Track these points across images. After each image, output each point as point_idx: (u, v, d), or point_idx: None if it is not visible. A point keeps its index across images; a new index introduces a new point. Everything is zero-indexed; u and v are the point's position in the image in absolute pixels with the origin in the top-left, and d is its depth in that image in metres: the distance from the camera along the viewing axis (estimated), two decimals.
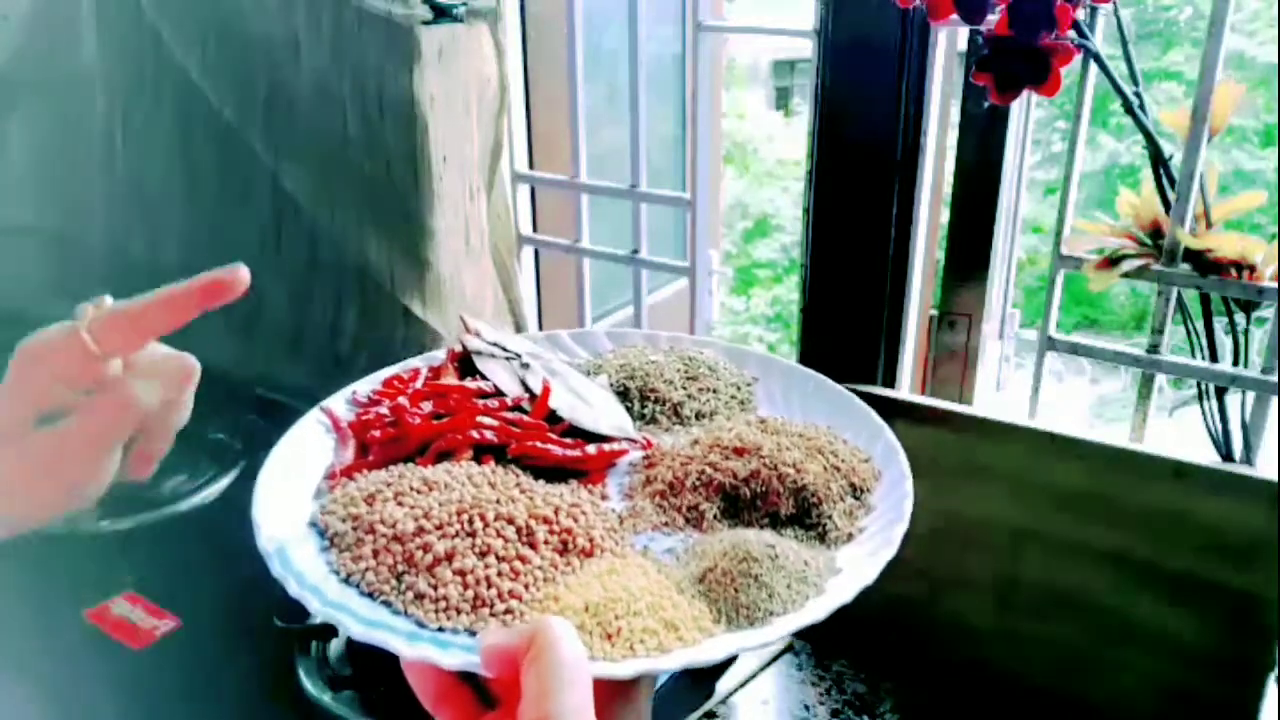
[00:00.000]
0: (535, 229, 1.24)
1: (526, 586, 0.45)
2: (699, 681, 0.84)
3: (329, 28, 0.91)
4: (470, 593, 0.44)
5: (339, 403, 0.59)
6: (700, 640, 0.44)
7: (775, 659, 0.89)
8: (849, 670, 0.88)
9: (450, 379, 0.61)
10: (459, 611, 0.44)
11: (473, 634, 0.43)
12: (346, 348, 0.95)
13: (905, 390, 0.93)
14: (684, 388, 0.64)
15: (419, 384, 0.61)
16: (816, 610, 0.46)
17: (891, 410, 0.86)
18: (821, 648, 0.90)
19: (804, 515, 0.53)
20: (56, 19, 0.98)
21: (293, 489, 0.51)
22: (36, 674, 0.77)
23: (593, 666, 0.39)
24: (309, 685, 0.75)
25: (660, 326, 1.12)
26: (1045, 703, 0.81)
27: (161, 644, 0.77)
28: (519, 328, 1.12)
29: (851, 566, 0.49)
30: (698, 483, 0.53)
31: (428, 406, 0.57)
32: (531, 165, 1.25)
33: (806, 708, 0.84)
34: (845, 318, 0.92)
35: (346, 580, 0.45)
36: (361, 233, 0.95)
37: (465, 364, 0.63)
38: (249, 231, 0.98)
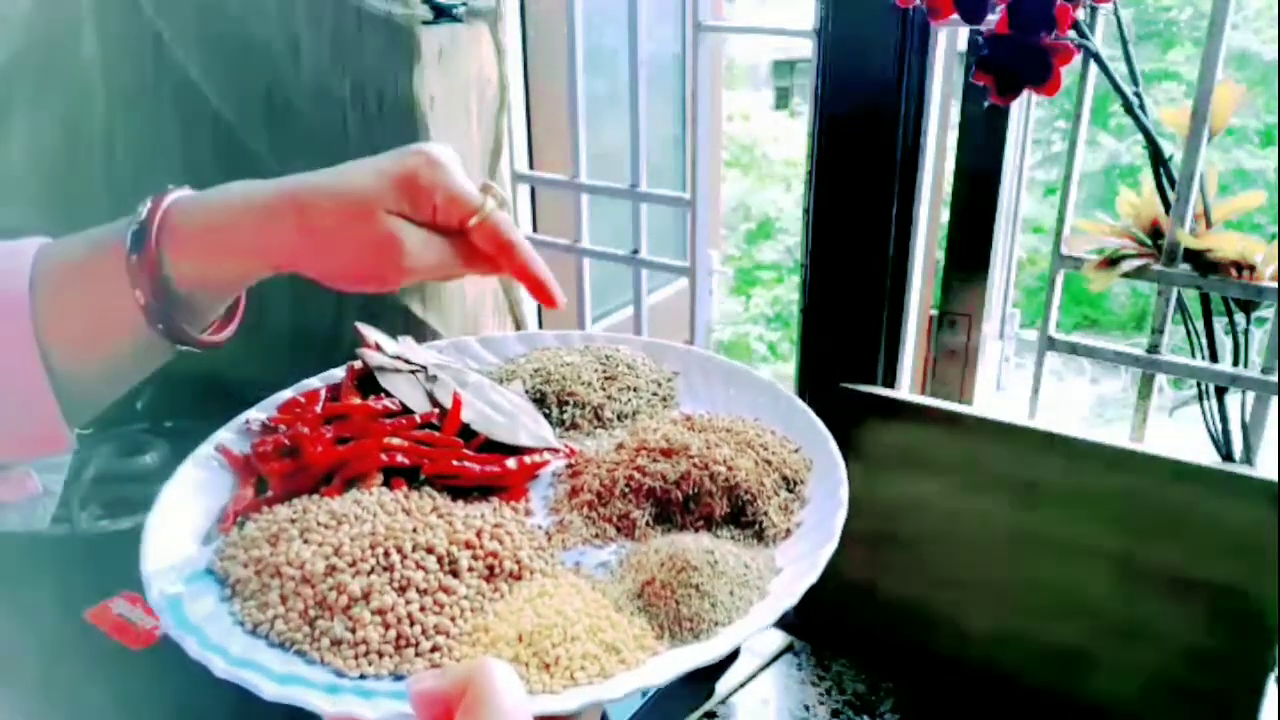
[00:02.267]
0: (535, 229, 1.24)
1: (453, 619, 0.42)
2: (699, 681, 0.84)
3: (329, 28, 0.91)
4: (392, 633, 0.41)
5: (230, 434, 0.55)
6: (644, 660, 0.41)
7: (775, 659, 0.89)
8: (849, 670, 0.88)
9: (353, 399, 0.57)
10: (381, 655, 0.41)
11: (399, 678, 0.40)
12: (347, 349, 0.95)
13: (905, 390, 0.93)
14: (603, 388, 0.62)
15: (319, 407, 0.57)
16: (762, 617, 0.43)
17: (891, 410, 0.86)
18: (821, 648, 0.90)
19: (739, 514, 0.51)
20: (56, 19, 0.98)
21: (186, 534, 0.48)
22: (36, 674, 0.77)
23: (533, 703, 0.37)
24: None
25: (660, 326, 1.12)
26: (1045, 703, 0.81)
27: (161, 644, 0.77)
28: (519, 327, 1.12)
29: (793, 564, 0.47)
30: (626, 489, 0.51)
31: (330, 433, 0.53)
32: (531, 165, 1.25)
33: (806, 708, 0.84)
34: (845, 318, 0.92)
35: (254, 632, 0.42)
36: None
37: (367, 382, 0.59)
38: None
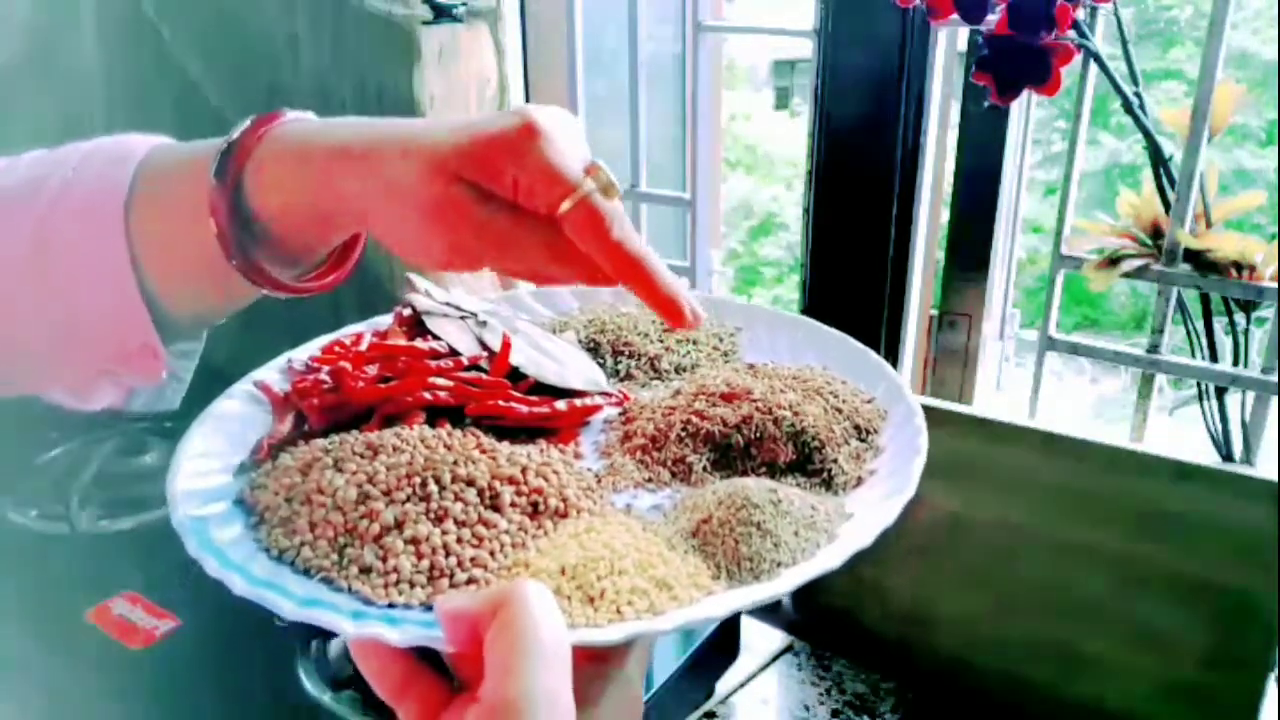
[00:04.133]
0: None
1: (492, 554, 0.40)
2: (699, 681, 0.84)
3: (329, 28, 0.91)
4: (425, 563, 0.39)
5: (271, 372, 0.53)
6: (698, 598, 0.38)
7: (775, 659, 0.89)
8: (849, 670, 0.88)
9: (399, 342, 0.55)
10: (412, 585, 0.38)
11: (430, 608, 0.37)
12: None
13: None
14: (660, 340, 0.59)
15: (363, 347, 0.55)
16: (830, 558, 0.40)
17: None
18: (821, 648, 0.90)
19: (805, 462, 0.48)
20: (56, 19, 0.98)
21: (216, 464, 0.46)
22: (36, 674, 0.77)
23: (574, 634, 0.34)
24: (309, 685, 0.75)
25: None
26: (1045, 703, 0.81)
27: (161, 644, 0.77)
28: None
29: (865, 510, 0.44)
30: (683, 433, 0.48)
31: (374, 371, 0.51)
32: None
33: (806, 708, 0.84)
34: (845, 318, 0.91)
35: (279, 558, 0.40)
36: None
37: (416, 327, 0.57)
38: None
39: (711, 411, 0.49)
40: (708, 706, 0.84)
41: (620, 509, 0.45)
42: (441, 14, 0.93)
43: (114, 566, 0.86)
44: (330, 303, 0.96)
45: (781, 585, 0.39)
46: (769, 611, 0.94)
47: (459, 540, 0.40)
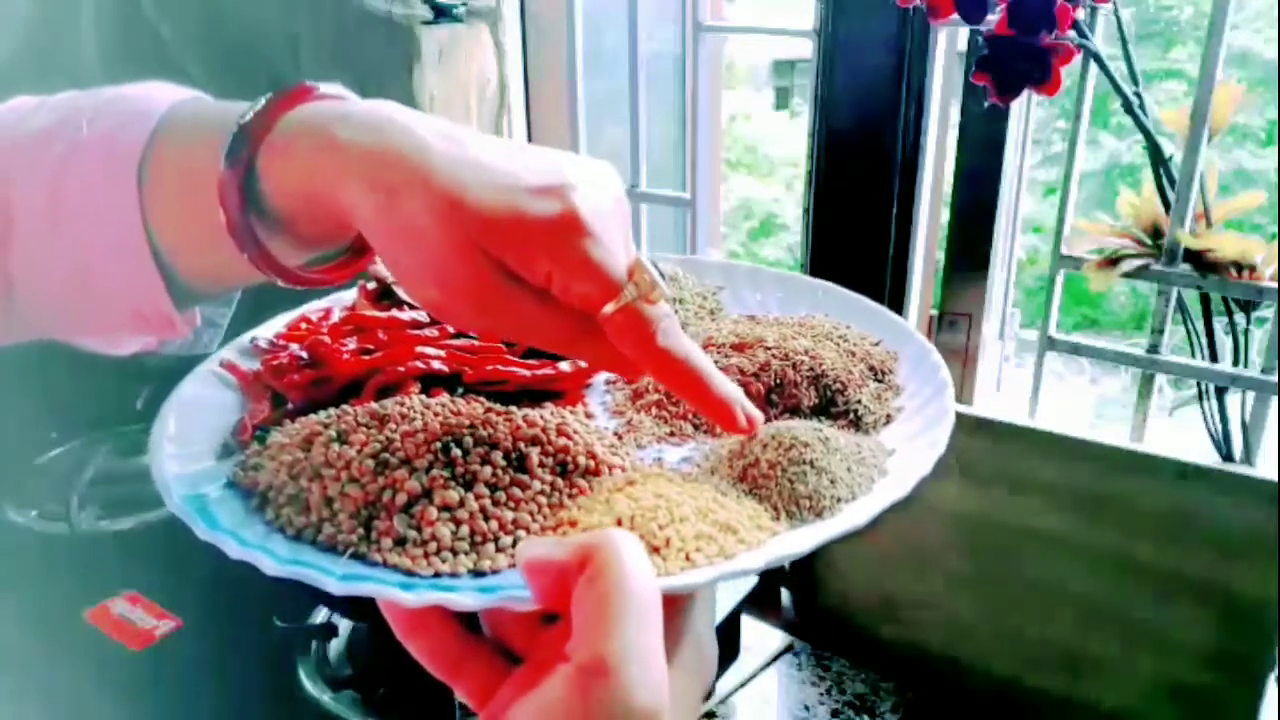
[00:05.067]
0: None
1: (531, 515, 0.38)
2: None
3: (329, 28, 0.91)
4: (465, 529, 0.36)
5: (233, 353, 0.50)
6: (764, 540, 0.37)
7: (775, 659, 0.89)
8: (849, 670, 0.88)
9: (374, 313, 0.51)
10: (455, 553, 0.36)
11: (480, 574, 0.35)
12: None
13: None
14: None
15: (334, 320, 0.52)
16: (890, 493, 0.39)
17: None
18: (821, 648, 0.90)
19: (829, 405, 0.47)
20: (56, 19, 0.98)
21: (197, 449, 0.43)
22: (36, 674, 0.77)
23: (658, 582, 0.32)
24: (309, 685, 0.75)
25: None
26: (1044, 703, 0.81)
27: (161, 644, 0.77)
28: None
29: (907, 443, 0.44)
30: None
31: (351, 344, 0.48)
32: None
33: (806, 708, 0.84)
34: None
35: (297, 537, 0.37)
36: None
37: (385, 299, 0.54)
38: None
39: (726, 362, 0.48)
40: (708, 706, 0.84)
41: (650, 464, 0.43)
42: (441, 14, 0.93)
43: (114, 566, 0.86)
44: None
45: (848, 521, 0.38)
46: (769, 611, 0.94)
47: (495, 503, 0.37)
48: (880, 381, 0.49)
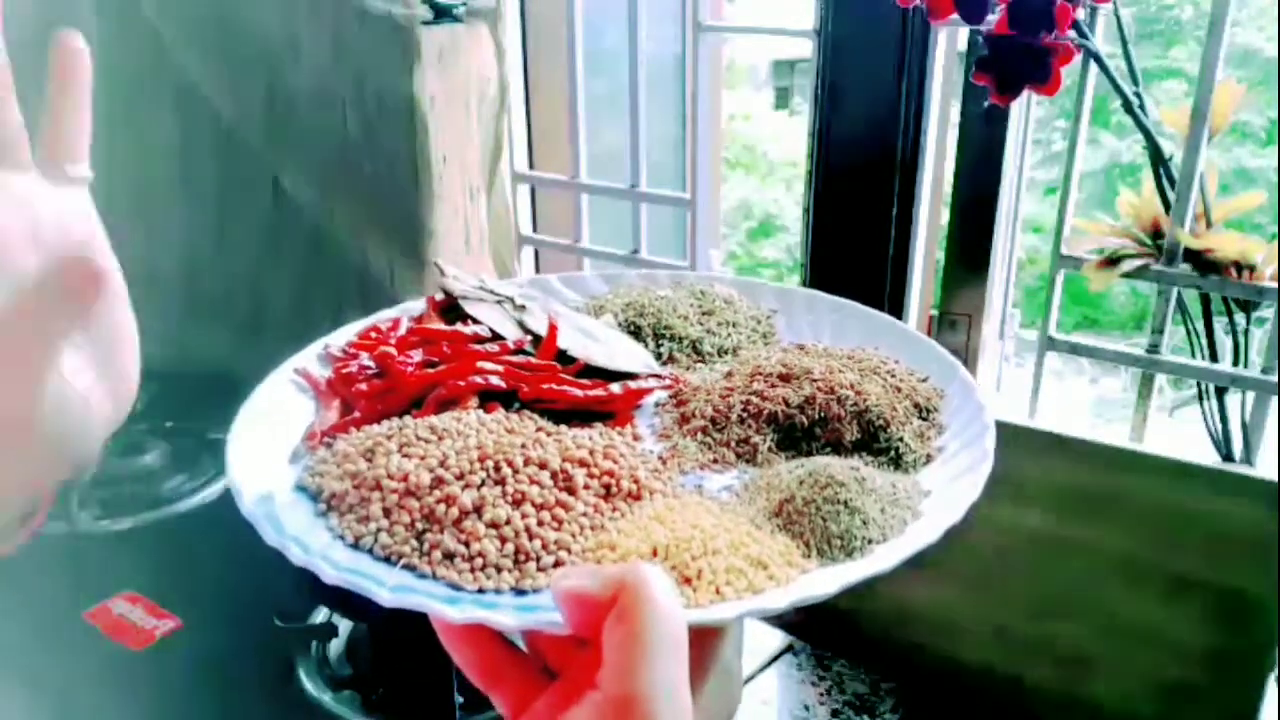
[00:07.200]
0: (535, 229, 1.24)
1: (573, 535, 0.39)
2: None
3: (329, 28, 0.91)
4: (510, 546, 0.38)
5: (309, 360, 0.52)
6: (794, 577, 0.38)
7: (775, 659, 0.89)
8: (849, 670, 0.88)
9: (440, 326, 0.54)
10: (500, 570, 0.37)
11: (521, 593, 0.37)
12: None
13: None
14: (700, 323, 0.58)
15: (402, 332, 0.54)
16: (921, 536, 0.40)
17: None
18: (821, 648, 0.90)
19: (871, 441, 0.47)
20: (56, 19, 0.98)
21: (270, 453, 0.45)
22: (36, 674, 0.77)
23: (685, 614, 0.32)
24: (309, 685, 0.75)
25: None
26: (1045, 703, 0.81)
27: (161, 644, 0.77)
28: None
29: (945, 486, 0.44)
30: (744, 414, 0.48)
31: (416, 356, 0.51)
32: (531, 165, 1.25)
33: (806, 708, 0.84)
34: None
35: (355, 545, 0.39)
36: (361, 233, 0.95)
37: (450, 312, 0.56)
38: (249, 232, 0.98)
39: (772, 392, 0.49)
40: None
41: (691, 490, 0.44)
42: (441, 14, 0.93)
43: (114, 566, 0.86)
44: (333, 304, 0.96)
45: (880, 563, 0.38)
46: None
47: (540, 523, 0.39)
48: (924, 419, 0.49)
